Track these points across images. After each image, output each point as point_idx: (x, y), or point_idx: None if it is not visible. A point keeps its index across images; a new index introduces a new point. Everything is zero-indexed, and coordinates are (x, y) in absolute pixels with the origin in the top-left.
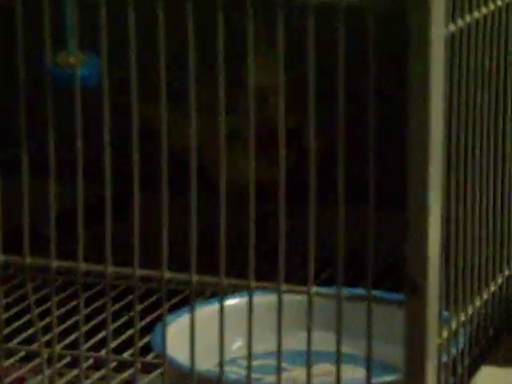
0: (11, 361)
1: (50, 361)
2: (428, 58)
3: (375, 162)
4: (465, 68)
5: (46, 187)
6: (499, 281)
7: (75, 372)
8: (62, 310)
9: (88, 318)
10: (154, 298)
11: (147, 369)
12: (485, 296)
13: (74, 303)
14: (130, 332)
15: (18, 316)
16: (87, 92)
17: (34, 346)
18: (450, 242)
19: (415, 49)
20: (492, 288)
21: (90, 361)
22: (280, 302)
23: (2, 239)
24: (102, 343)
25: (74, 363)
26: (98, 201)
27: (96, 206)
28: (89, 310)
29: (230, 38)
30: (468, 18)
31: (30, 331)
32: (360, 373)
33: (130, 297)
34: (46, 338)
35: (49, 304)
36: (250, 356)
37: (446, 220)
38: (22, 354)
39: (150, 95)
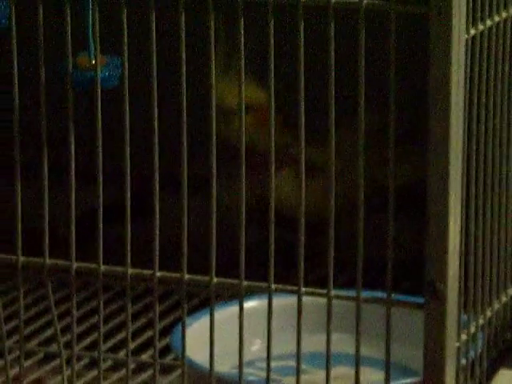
0: (30, 362)
1: (69, 362)
2: (449, 62)
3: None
4: (485, 72)
5: (65, 190)
6: None
7: (94, 373)
8: (81, 311)
9: (107, 320)
10: (173, 300)
11: (166, 370)
12: (503, 299)
13: (92, 304)
14: (148, 333)
15: (37, 317)
16: (108, 93)
17: (53, 347)
18: (468, 246)
19: (436, 52)
20: (510, 291)
21: (109, 362)
22: (300, 305)
23: (21, 240)
24: (121, 344)
25: (92, 364)
26: (119, 202)
27: (117, 207)
28: (107, 311)
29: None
30: (489, 22)
31: (49, 332)
32: (378, 375)
33: (149, 298)
34: (65, 339)
35: (68, 305)
36: (268, 358)
37: (465, 223)
38: (41, 355)
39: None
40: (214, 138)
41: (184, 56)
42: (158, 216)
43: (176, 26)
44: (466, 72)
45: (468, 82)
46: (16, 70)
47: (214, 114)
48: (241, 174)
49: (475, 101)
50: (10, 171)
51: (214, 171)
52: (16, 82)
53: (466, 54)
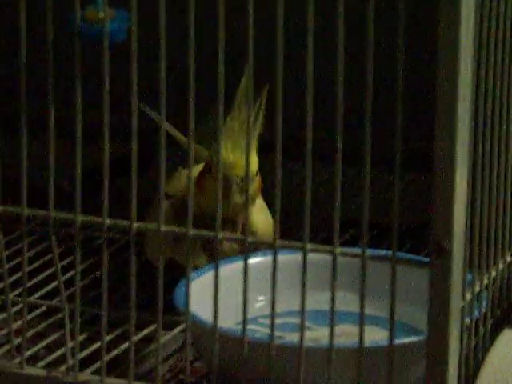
0: (33, 315)
1: (71, 316)
2: (458, 23)
3: (402, 128)
4: (494, 36)
5: (72, 144)
6: None
7: (95, 328)
8: (84, 265)
9: (110, 274)
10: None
11: (169, 326)
12: (508, 259)
13: (95, 259)
14: (152, 288)
15: (40, 270)
16: (115, 48)
17: (56, 301)
18: (474, 204)
19: (445, 14)
20: None
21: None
22: (305, 261)
23: (26, 193)
24: (124, 300)
25: (95, 319)
26: (123, 157)
27: (121, 162)
28: (110, 266)
29: None
30: None
31: (52, 286)
32: (382, 334)
33: None
34: (68, 293)
35: (71, 259)
36: (272, 314)
37: (472, 182)
38: (44, 308)
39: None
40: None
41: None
42: (164, 171)
43: None
44: (475, 31)
45: (477, 43)
46: (24, 23)
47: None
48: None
49: (484, 60)
50: (16, 125)
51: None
52: (24, 36)
53: (475, 17)
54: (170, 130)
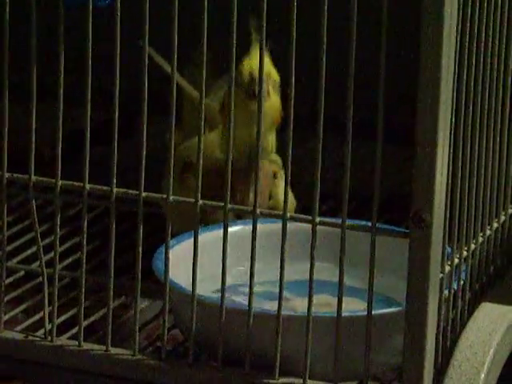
0: (11, 279)
1: (50, 281)
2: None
3: (384, 98)
4: (476, 20)
5: (53, 109)
6: (502, 219)
7: (74, 294)
8: (64, 230)
9: (89, 240)
10: (157, 222)
11: (147, 293)
12: (487, 233)
13: (75, 224)
14: (131, 255)
15: (20, 235)
16: (99, 12)
17: (35, 266)
18: (455, 179)
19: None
20: (495, 225)
21: (89, 283)
22: (284, 230)
23: (6, 158)
24: (102, 266)
25: (72, 285)
26: (104, 122)
27: (102, 128)
28: (90, 231)
29: None
30: None
31: (32, 251)
32: (361, 305)
33: (133, 220)
34: (48, 257)
35: (51, 224)
36: (251, 283)
37: (453, 156)
38: (22, 273)
39: None
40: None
41: None
42: (144, 137)
43: None
44: (457, 17)
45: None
46: None
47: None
48: None
49: (467, 38)
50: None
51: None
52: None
53: (458, 8)
54: (181, 81)
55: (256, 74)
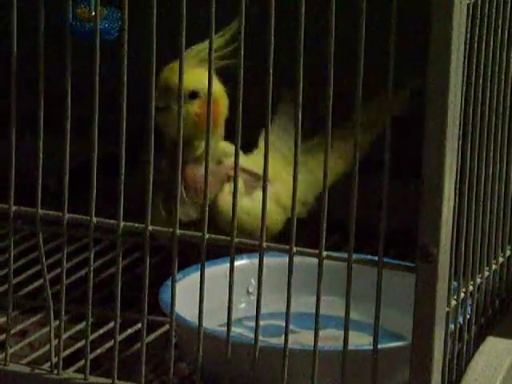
0: (17, 312)
1: (56, 314)
2: (450, 27)
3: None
4: (484, 37)
5: (60, 141)
6: (508, 253)
7: (81, 327)
8: (70, 263)
9: (95, 273)
10: (163, 255)
11: (153, 326)
12: (493, 267)
13: (81, 257)
14: (137, 288)
15: (26, 268)
16: (106, 47)
17: (42, 299)
18: (461, 213)
19: (437, 18)
20: (500, 259)
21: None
22: (291, 264)
23: (14, 190)
24: (109, 299)
25: (78, 318)
26: (111, 156)
27: (109, 160)
28: (96, 264)
29: None
30: None
31: (38, 283)
32: (367, 339)
33: (139, 253)
34: (54, 290)
35: (58, 257)
36: (257, 317)
37: (459, 191)
38: (29, 306)
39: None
40: None
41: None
42: (151, 170)
43: None
44: (466, 38)
45: (468, 48)
46: (15, 20)
47: None
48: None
49: (474, 66)
50: (5, 122)
51: None
52: (14, 32)
53: (467, 21)
54: None
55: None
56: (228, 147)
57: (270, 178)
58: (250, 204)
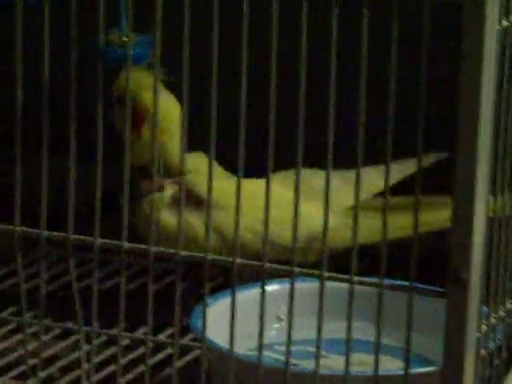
0: (48, 337)
1: (87, 338)
2: (481, 52)
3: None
4: None
5: (92, 166)
6: None
7: (111, 351)
8: (100, 288)
9: (126, 297)
10: (194, 280)
11: (183, 351)
12: None
13: (112, 282)
14: (167, 313)
15: (57, 292)
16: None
17: (72, 323)
18: (492, 237)
19: (468, 43)
20: None
21: (127, 340)
22: (322, 289)
23: (45, 215)
24: (140, 323)
25: (109, 342)
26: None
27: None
28: (127, 289)
29: None
30: None
31: (69, 307)
32: (397, 364)
33: (170, 277)
34: (84, 315)
35: (88, 282)
36: (289, 341)
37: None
38: (59, 330)
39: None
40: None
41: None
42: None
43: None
44: (497, 63)
45: (499, 72)
46: (47, 45)
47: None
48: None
49: (505, 92)
50: (37, 147)
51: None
52: (47, 59)
53: (498, 46)
54: None
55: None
56: (195, 163)
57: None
58: (168, 219)
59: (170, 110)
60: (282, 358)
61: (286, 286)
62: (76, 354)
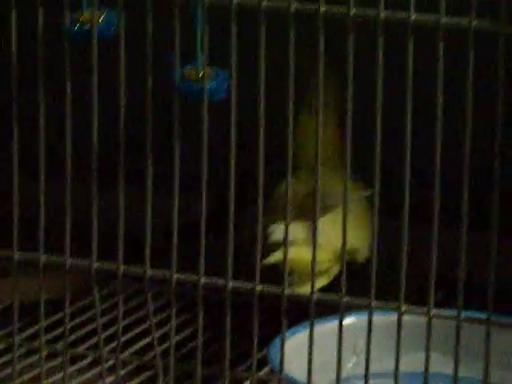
0: (124, 371)
1: (164, 373)
2: None
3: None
4: None
5: (169, 199)
6: None
7: None
8: (178, 321)
9: (205, 331)
10: (269, 314)
11: None
12: None
13: (187, 316)
14: (244, 346)
15: (132, 325)
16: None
17: (148, 358)
18: None
19: None
20: None
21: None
22: (400, 323)
23: (96, 247)
24: (217, 357)
25: (186, 376)
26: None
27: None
28: (205, 322)
29: None
30: None
31: (145, 341)
32: None
33: (248, 312)
34: (160, 348)
35: (164, 315)
36: (366, 375)
37: None
38: (135, 364)
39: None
40: None
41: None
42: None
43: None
44: None
45: None
46: (123, 79)
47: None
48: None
49: None
50: (113, 180)
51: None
52: (122, 94)
53: None
54: None
55: None
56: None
57: None
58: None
59: None
60: None
61: (362, 318)
62: None
